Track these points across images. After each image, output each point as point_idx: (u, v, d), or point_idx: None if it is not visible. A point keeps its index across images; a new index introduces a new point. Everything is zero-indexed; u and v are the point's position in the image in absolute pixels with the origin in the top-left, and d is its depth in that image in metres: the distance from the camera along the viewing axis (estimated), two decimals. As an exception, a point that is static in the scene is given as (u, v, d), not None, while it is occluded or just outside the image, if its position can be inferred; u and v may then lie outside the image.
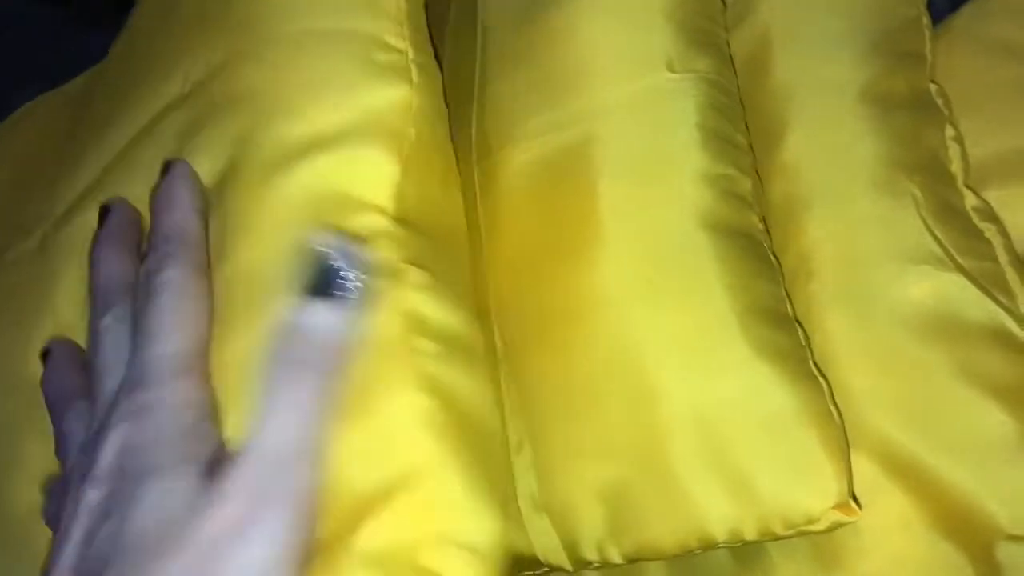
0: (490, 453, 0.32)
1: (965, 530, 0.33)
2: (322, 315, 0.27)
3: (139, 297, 0.30)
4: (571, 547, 0.35)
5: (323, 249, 0.27)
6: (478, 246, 0.39)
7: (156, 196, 0.33)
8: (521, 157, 0.39)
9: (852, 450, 0.35)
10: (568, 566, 0.36)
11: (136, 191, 0.35)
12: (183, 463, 0.26)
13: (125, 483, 0.26)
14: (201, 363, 0.29)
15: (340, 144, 0.32)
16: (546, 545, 0.35)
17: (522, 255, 0.38)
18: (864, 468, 0.35)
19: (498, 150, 0.40)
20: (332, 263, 0.27)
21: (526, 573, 0.38)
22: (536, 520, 0.35)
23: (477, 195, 0.40)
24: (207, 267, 0.31)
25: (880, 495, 0.34)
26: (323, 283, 0.27)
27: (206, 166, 0.33)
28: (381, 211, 0.31)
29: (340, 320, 0.27)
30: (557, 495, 0.35)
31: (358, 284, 0.27)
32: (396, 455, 0.28)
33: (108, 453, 0.27)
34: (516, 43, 0.42)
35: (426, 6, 0.39)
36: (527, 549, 0.36)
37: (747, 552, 0.37)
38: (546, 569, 0.37)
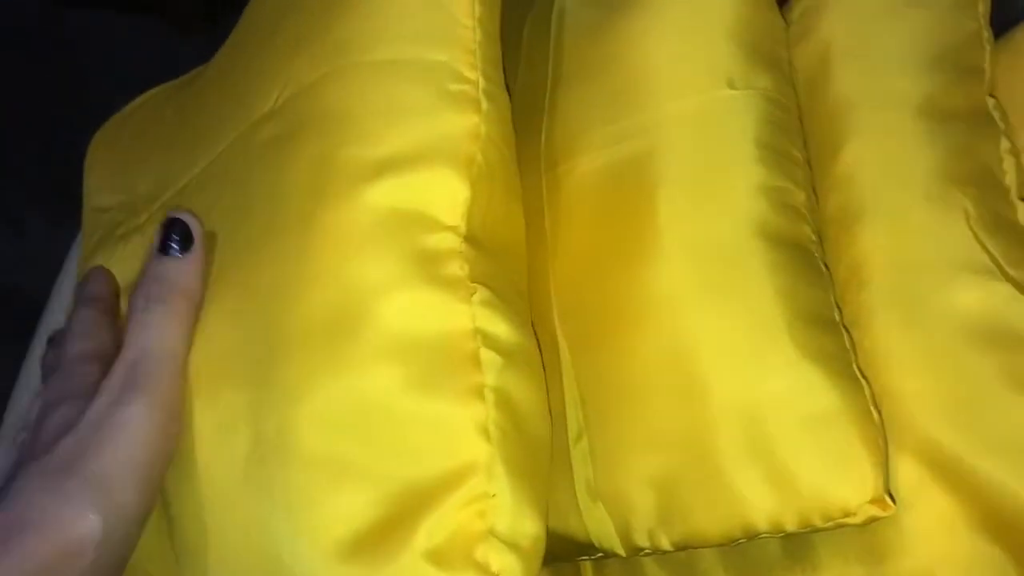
0: (538, 457, 0.34)
1: (1008, 531, 0.33)
2: (165, 265, 0.36)
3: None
4: (624, 533, 0.37)
5: (170, 216, 0.37)
6: (543, 252, 0.41)
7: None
8: (586, 168, 0.41)
9: (898, 451, 0.36)
10: (621, 551, 0.37)
11: (225, 195, 0.39)
12: (77, 397, 0.33)
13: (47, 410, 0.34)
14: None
15: (414, 166, 0.34)
16: (600, 531, 0.37)
17: (585, 260, 0.40)
18: (910, 468, 0.35)
19: (565, 161, 0.42)
20: (173, 228, 0.36)
21: (583, 557, 0.39)
22: (592, 507, 0.37)
23: (544, 204, 0.42)
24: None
25: (925, 495, 0.35)
26: (166, 242, 0.36)
27: (296, 175, 0.36)
28: (454, 231, 0.34)
29: (176, 268, 0.36)
30: (612, 484, 0.37)
31: (189, 244, 0.36)
32: (455, 456, 0.31)
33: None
34: (584, 57, 0.44)
35: (502, 22, 0.42)
36: (583, 535, 0.38)
37: (795, 545, 0.38)
38: (600, 554, 0.38)
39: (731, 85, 0.39)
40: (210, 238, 0.38)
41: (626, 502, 0.36)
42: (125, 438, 0.31)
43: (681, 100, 0.40)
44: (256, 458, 0.32)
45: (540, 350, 0.37)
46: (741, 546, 0.37)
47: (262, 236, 0.36)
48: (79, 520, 0.30)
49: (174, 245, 0.36)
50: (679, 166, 0.38)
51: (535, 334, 0.38)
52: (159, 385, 0.33)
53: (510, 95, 0.44)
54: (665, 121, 0.40)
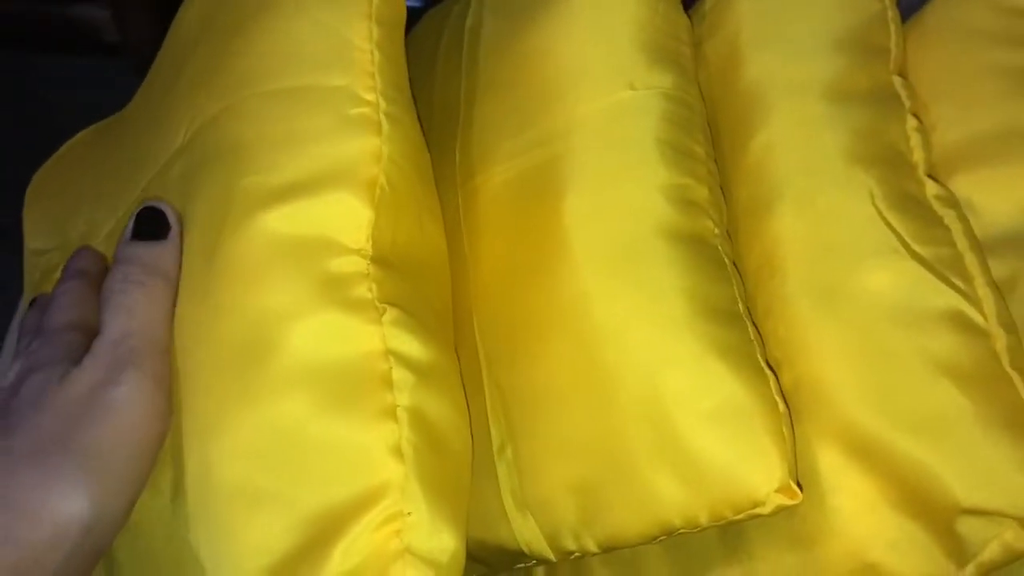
0: (456, 472, 0.33)
1: (927, 508, 0.33)
2: (141, 249, 0.35)
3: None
4: (552, 539, 0.36)
5: (146, 204, 0.36)
6: (462, 267, 0.40)
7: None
8: (499, 179, 0.41)
9: (820, 435, 0.35)
10: (552, 557, 0.36)
11: None
12: (59, 363, 0.32)
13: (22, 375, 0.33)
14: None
15: (314, 192, 0.33)
16: (530, 539, 0.37)
17: (500, 271, 0.39)
18: (832, 452, 0.35)
19: (480, 173, 0.41)
20: (148, 214, 0.36)
21: (519, 565, 0.39)
22: (519, 516, 0.36)
23: (461, 218, 0.41)
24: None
25: (848, 477, 0.34)
26: (141, 229, 0.36)
27: (201, 208, 0.36)
28: (359, 253, 0.33)
29: (152, 252, 0.35)
30: (537, 491, 0.36)
31: (164, 230, 0.36)
32: (368, 477, 0.30)
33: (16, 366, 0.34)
34: (497, 69, 0.44)
35: (418, 36, 0.41)
36: (513, 544, 0.37)
37: (731, 536, 0.37)
38: (534, 561, 0.38)
39: (631, 86, 0.39)
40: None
41: (551, 508, 0.36)
42: (119, 417, 0.31)
43: (585, 105, 0.39)
44: (181, 492, 0.32)
45: (460, 365, 0.37)
46: (680, 540, 0.36)
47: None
48: (67, 501, 0.29)
49: (150, 230, 0.35)
50: (583, 171, 0.38)
51: (455, 350, 0.37)
52: (149, 363, 0.32)
53: (430, 110, 0.44)
54: (570, 127, 0.39)
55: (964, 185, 0.40)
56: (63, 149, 0.52)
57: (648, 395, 0.33)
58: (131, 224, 0.36)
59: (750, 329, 0.35)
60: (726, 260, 0.37)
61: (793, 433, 0.33)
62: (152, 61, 0.48)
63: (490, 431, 0.38)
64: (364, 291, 0.33)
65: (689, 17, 0.45)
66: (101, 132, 0.51)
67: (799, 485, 0.32)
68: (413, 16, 0.54)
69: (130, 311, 0.33)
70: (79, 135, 0.52)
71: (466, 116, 0.43)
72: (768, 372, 0.34)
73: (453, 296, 0.40)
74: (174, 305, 0.34)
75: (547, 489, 0.36)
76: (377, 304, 0.33)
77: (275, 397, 0.31)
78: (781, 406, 0.33)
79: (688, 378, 0.33)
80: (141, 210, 0.36)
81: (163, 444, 0.32)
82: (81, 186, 0.48)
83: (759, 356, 0.34)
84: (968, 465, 0.32)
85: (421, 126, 0.39)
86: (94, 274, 0.38)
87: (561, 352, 0.36)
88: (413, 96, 0.40)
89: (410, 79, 0.40)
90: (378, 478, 0.30)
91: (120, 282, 0.34)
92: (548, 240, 0.37)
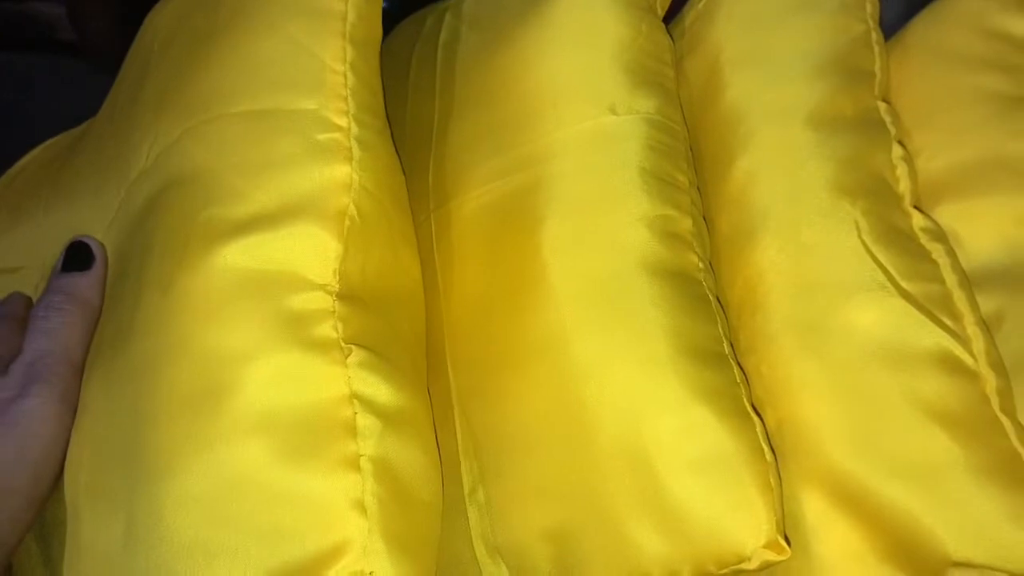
0: (424, 524, 0.31)
1: (915, 559, 0.31)
2: (65, 279, 0.36)
3: None
4: None
5: (74, 239, 0.37)
6: (435, 295, 0.38)
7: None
8: (473, 204, 0.38)
9: (804, 480, 0.33)
10: (524, 605, 0.35)
11: (112, 261, 0.37)
12: None
13: None
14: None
15: (279, 223, 0.31)
16: (502, 585, 0.35)
17: (473, 302, 0.37)
18: (816, 498, 0.33)
19: (453, 197, 0.39)
20: (74, 248, 0.37)
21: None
22: (490, 562, 0.34)
23: (433, 244, 0.39)
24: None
25: (832, 525, 0.33)
26: (68, 262, 0.36)
27: (160, 238, 0.33)
28: (324, 289, 0.31)
29: (75, 282, 0.36)
30: (509, 536, 0.34)
31: (90, 262, 0.36)
32: (328, 533, 0.28)
33: None
34: (471, 87, 0.41)
35: (389, 50, 0.39)
36: (485, 590, 0.35)
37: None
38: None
39: (613, 111, 0.37)
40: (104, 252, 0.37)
41: (524, 555, 0.34)
42: (23, 427, 0.32)
43: (565, 129, 0.37)
44: (132, 541, 0.29)
45: (431, 404, 0.35)
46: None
47: (131, 308, 0.33)
48: None
49: (75, 262, 0.36)
50: (562, 199, 0.36)
51: (427, 387, 0.35)
52: (58, 380, 0.33)
53: (402, 128, 0.42)
54: (549, 152, 0.37)
55: (948, 215, 0.38)
56: (18, 165, 0.49)
57: (629, 440, 0.32)
58: (61, 257, 0.37)
59: (735, 371, 0.33)
60: (710, 296, 0.35)
61: (780, 483, 0.31)
62: (108, 58, 0.46)
63: (461, 472, 0.35)
64: (329, 330, 0.31)
65: (670, 31, 0.43)
66: (63, 146, 0.48)
67: (787, 539, 0.30)
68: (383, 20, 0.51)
69: (48, 334, 0.34)
70: (37, 149, 0.49)
71: (440, 136, 0.41)
72: (755, 417, 0.32)
73: (426, 328, 0.38)
74: (93, 330, 0.35)
75: (520, 535, 0.34)
76: (343, 344, 0.30)
77: (230, 443, 0.29)
78: (768, 455, 0.31)
79: (672, 424, 0.31)
80: (69, 244, 0.37)
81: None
82: (36, 203, 0.45)
83: (745, 400, 0.32)
84: (958, 516, 0.30)
85: (395, 148, 0.37)
86: (19, 315, 0.38)
87: (537, 390, 0.34)
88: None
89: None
90: (339, 534, 0.28)
91: (43, 309, 0.35)
92: (525, 271, 0.35)
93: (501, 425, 0.35)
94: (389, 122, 0.38)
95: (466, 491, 0.35)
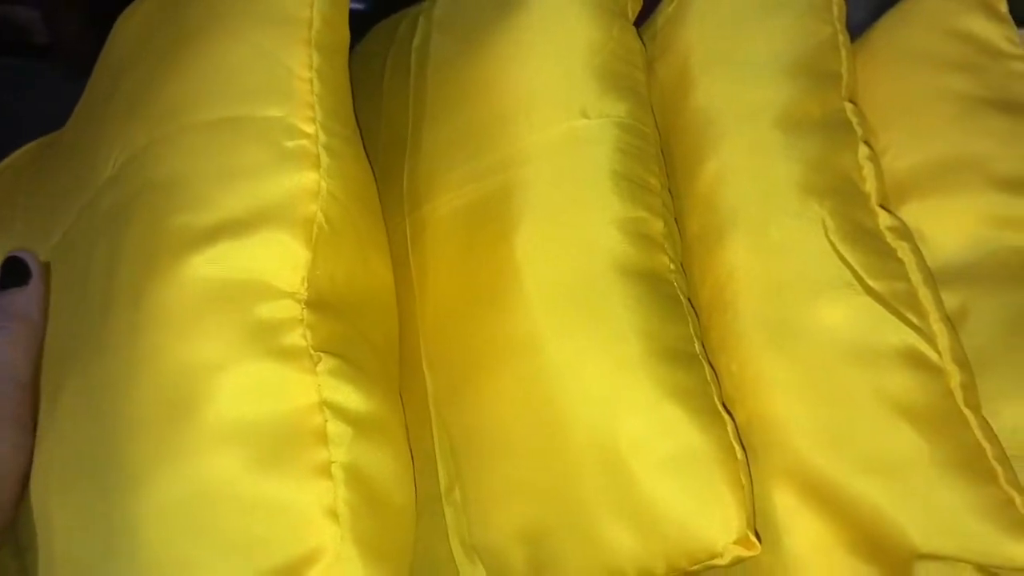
0: (398, 529, 0.31)
1: (883, 552, 0.32)
2: (7, 298, 0.35)
3: None
4: None
5: (9, 255, 0.37)
6: (410, 299, 0.38)
7: None
8: (448, 208, 0.38)
9: (773, 476, 0.34)
10: (501, 604, 0.35)
11: (73, 270, 0.36)
12: None
13: None
14: None
15: (247, 232, 0.31)
16: (479, 584, 0.35)
17: (448, 305, 0.37)
18: (786, 493, 0.33)
19: (428, 201, 0.39)
20: (10, 264, 0.36)
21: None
22: (467, 562, 0.35)
23: (408, 248, 0.39)
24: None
25: (802, 519, 0.33)
26: (5, 279, 0.36)
27: (128, 249, 0.33)
28: (293, 297, 0.31)
29: (13, 299, 0.35)
30: (485, 537, 0.34)
31: (26, 277, 0.36)
32: (300, 541, 0.28)
33: None
34: (445, 91, 0.41)
35: (363, 54, 0.39)
36: (462, 590, 0.35)
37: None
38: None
39: (584, 115, 0.37)
40: (46, 269, 0.37)
41: (500, 555, 0.34)
42: None
43: (537, 133, 0.37)
44: (110, 556, 0.29)
45: (407, 403, 0.35)
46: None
47: (99, 317, 0.33)
48: None
49: (12, 278, 0.36)
50: (535, 203, 0.36)
51: (401, 389, 0.35)
52: (5, 400, 0.32)
53: (376, 133, 0.42)
54: (521, 156, 0.37)
55: (914, 214, 0.39)
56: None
57: (602, 440, 0.32)
58: None
59: (706, 370, 0.34)
60: (682, 297, 0.35)
61: (751, 481, 0.31)
62: (84, 63, 0.45)
63: (438, 473, 0.36)
64: (298, 338, 0.30)
65: (641, 34, 0.43)
66: (36, 152, 0.48)
67: (757, 535, 0.31)
68: (357, 22, 0.51)
69: None
70: (12, 156, 0.49)
71: (414, 141, 0.41)
72: (725, 416, 0.32)
73: (401, 332, 0.38)
74: (38, 345, 0.35)
75: (496, 535, 0.34)
76: (312, 352, 0.30)
77: (202, 454, 0.29)
78: (739, 452, 0.32)
79: (644, 423, 0.31)
80: (5, 260, 0.36)
81: (22, 479, 0.32)
82: (13, 211, 0.44)
83: (716, 399, 0.33)
84: (924, 509, 0.31)
85: (367, 154, 0.37)
86: None
87: (512, 391, 0.34)
88: (357, 120, 0.38)
89: (355, 101, 0.38)
90: (312, 541, 0.28)
91: None
92: (499, 274, 0.35)
93: (477, 426, 0.35)
94: (362, 127, 0.38)
95: (443, 490, 0.35)
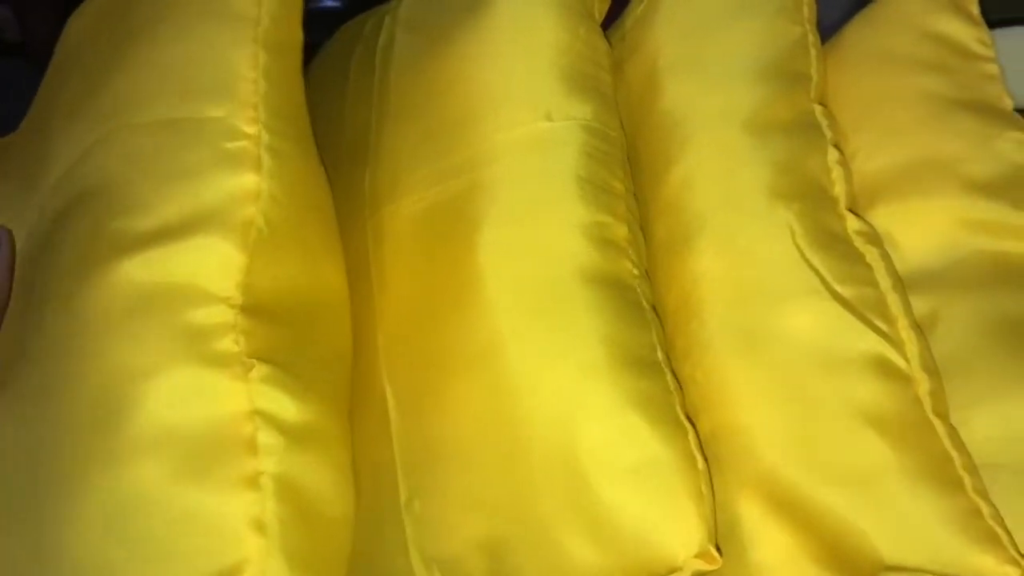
0: (332, 542, 0.31)
1: (850, 563, 0.31)
2: None
3: None
4: None
5: None
6: (369, 303, 0.37)
7: None
8: (410, 209, 0.38)
9: (740, 486, 0.33)
10: (459, 618, 0.34)
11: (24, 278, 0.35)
12: None
13: None
14: None
15: (181, 236, 0.30)
16: (438, 598, 0.34)
17: (408, 310, 0.36)
18: (752, 504, 0.32)
19: (389, 203, 0.38)
20: None
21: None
22: (425, 573, 0.33)
23: (369, 251, 0.38)
24: None
25: (768, 530, 0.32)
26: None
27: (67, 253, 0.32)
28: (226, 302, 0.30)
29: None
30: (444, 547, 0.33)
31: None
32: (224, 554, 0.27)
33: None
34: (409, 92, 0.41)
35: (331, 54, 0.38)
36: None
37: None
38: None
39: (549, 117, 0.36)
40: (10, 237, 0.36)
41: (459, 567, 0.33)
42: None
43: (501, 134, 0.36)
44: (38, 559, 0.29)
45: (366, 411, 0.34)
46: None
47: (35, 325, 0.32)
48: None
49: None
50: (498, 205, 0.35)
51: (347, 401, 0.34)
52: None
53: (340, 134, 0.41)
54: (485, 157, 0.36)
55: (884, 217, 0.38)
56: None
57: (562, 449, 0.31)
58: None
59: (669, 378, 0.33)
60: (645, 304, 0.34)
61: (713, 492, 0.31)
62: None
63: (398, 483, 0.35)
64: (230, 344, 0.30)
65: (609, 36, 0.42)
66: None
67: (718, 549, 0.30)
68: (333, 20, 0.50)
69: None
70: None
71: (376, 141, 0.40)
72: (688, 425, 0.32)
73: (358, 335, 0.37)
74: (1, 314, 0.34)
75: (456, 546, 0.33)
76: (244, 359, 0.30)
77: (128, 462, 0.28)
78: (700, 463, 0.31)
79: (604, 432, 0.31)
80: None
81: None
82: None
83: (678, 408, 0.32)
84: (891, 520, 0.30)
85: (322, 157, 0.36)
86: None
87: (472, 400, 0.33)
88: (323, 120, 0.37)
89: (320, 101, 0.37)
90: (236, 554, 0.27)
91: None
92: (461, 277, 0.34)
93: (437, 435, 0.34)
94: (324, 128, 0.37)
95: (402, 502, 0.34)
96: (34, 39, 0.80)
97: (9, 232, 0.36)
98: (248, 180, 0.32)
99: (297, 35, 0.36)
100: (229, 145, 0.32)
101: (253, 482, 0.28)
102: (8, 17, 0.81)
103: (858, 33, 0.44)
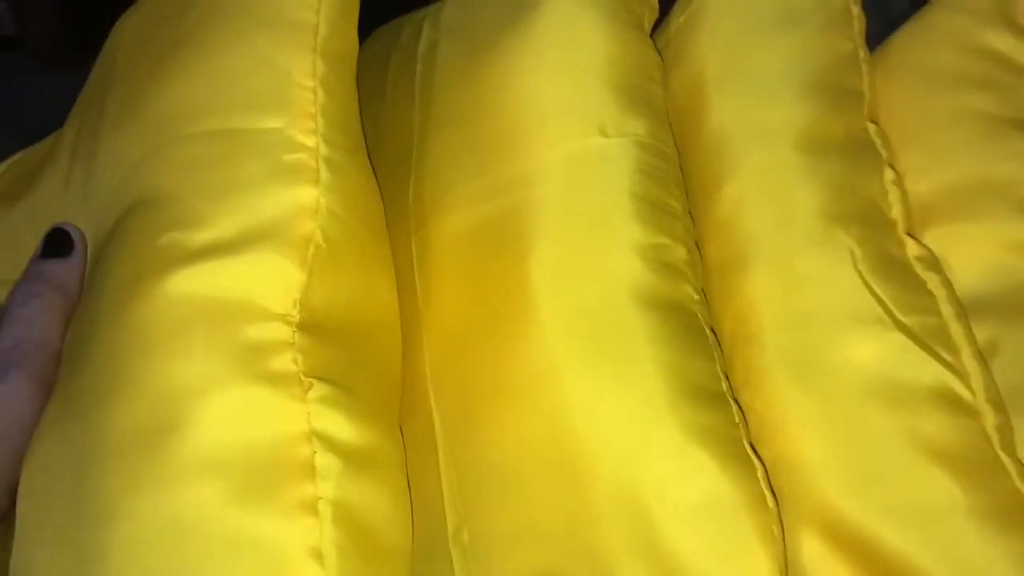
0: (388, 569, 0.29)
1: (913, 602, 0.30)
2: (44, 265, 0.34)
3: None
4: None
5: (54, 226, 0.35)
6: (415, 323, 0.36)
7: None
8: (455, 227, 0.36)
9: (799, 522, 0.32)
10: (508, 652, 0.33)
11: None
12: None
13: None
14: None
15: (241, 251, 0.29)
16: (486, 632, 0.33)
17: (457, 331, 0.35)
18: (812, 541, 0.31)
19: (433, 219, 0.37)
20: (55, 235, 0.35)
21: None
22: None
23: (414, 269, 0.37)
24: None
25: (828, 569, 0.31)
26: (47, 249, 0.35)
27: (117, 267, 0.31)
28: (284, 320, 0.29)
29: (53, 268, 0.34)
30: None
31: (68, 249, 0.35)
32: None
33: None
34: (452, 100, 0.39)
35: (362, 60, 0.37)
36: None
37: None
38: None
39: (603, 132, 0.35)
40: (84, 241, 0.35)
41: None
42: (2, 408, 0.31)
43: (552, 150, 0.35)
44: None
45: (413, 438, 0.33)
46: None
47: (87, 338, 0.31)
48: None
49: (54, 249, 0.34)
50: (551, 225, 0.34)
51: (406, 421, 0.33)
52: (37, 366, 0.32)
53: (379, 144, 0.40)
54: (536, 174, 0.35)
55: (936, 241, 0.37)
56: None
57: (623, 483, 0.30)
58: (41, 244, 0.35)
59: (734, 410, 0.31)
60: (706, 330, 0.33)
61: (783, 531, 0.30)
62: (53, 55, 0.43)
63: (445, 512, 0.33)
64: (287, 362, 0.28)
65: (653, 41, 0.41)
66: (27, 161, 0.45)
67: (792, 592, 0.29)
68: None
69: (27, 321, 0.33)
70: (10, 161, 0.46)
71: (420, 152, 0.39)
72: (756, 461, 0.30)
73: (405, 358, 0.35)
74: (70, 316, 0.33)
75: None
76: (302, 378, 0.28)
77: (179, 485, 0.26)
78: (770, 501, 0.30)
79: (668, 468, 0.29)
80: (49, 231, 0.35)
81: None
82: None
83: (745, 442, 0.31)
84: (958, 561, 0.29)
85: (372, 168, 0.35)
86: None
87: (525, 428, 0.32)
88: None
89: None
90: None
91: (21, 295, 0.33)
92: (511, 300, 0.33)
93: (487, 462, 0.32)
94: (365, 138, 0.36)
95: (450, 531, 0.33)
96: (31, 33, 0.78)
97: (83, 234, 0.35)
98: (307, 194, 0.31)
99: (354, 43, 0.35)
100: (287, 157, 0.31)
101: (311, 508, 0.26)
102: (3, 10, 0.79)
103: (902, 48, 0.43)
